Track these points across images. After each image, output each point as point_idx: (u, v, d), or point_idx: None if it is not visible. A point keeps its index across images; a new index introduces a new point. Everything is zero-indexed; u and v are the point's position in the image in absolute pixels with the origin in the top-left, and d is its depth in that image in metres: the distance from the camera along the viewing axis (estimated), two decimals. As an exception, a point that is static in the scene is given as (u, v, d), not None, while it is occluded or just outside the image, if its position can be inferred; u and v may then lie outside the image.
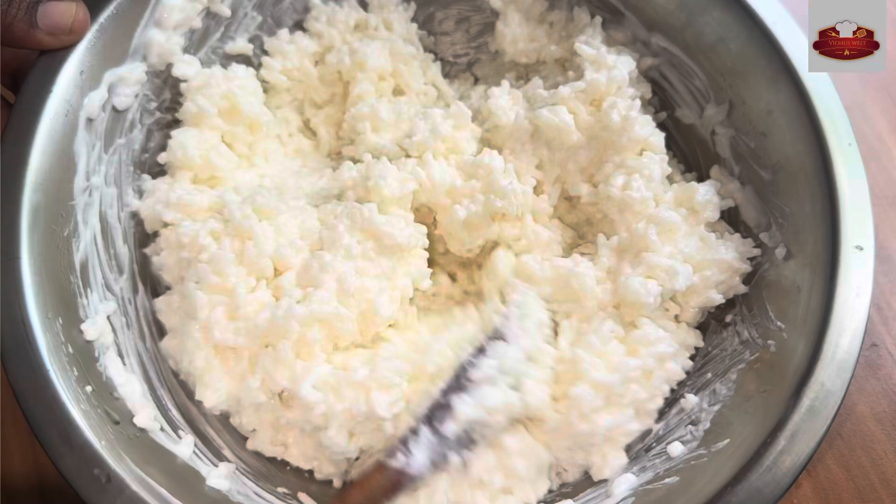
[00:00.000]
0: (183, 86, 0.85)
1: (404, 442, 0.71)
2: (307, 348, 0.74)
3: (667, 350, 0.77)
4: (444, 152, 0.84)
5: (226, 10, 0.86)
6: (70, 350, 0.68)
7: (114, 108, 0.78)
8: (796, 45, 0.76)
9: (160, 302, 0.81)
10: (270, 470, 0.78)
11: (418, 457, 0.71)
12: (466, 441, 0.72)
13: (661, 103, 0.90)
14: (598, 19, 0.89)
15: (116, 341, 0.74)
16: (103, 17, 0.75)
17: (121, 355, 0.74)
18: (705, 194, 0.81)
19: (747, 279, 0.79)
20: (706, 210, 0.81)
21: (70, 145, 0.73)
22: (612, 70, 0.83)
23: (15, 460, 0.82)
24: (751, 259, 0.79)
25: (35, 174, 0.70)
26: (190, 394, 0.78)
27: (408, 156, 0.85)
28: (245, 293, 0.76)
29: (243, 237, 0.77)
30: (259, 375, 0.74)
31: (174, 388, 0.78)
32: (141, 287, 0.81)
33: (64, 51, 0.73)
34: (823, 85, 0.74)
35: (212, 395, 0.75)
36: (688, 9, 0.82)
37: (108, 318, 0.74)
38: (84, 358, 0.69)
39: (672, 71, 0.87)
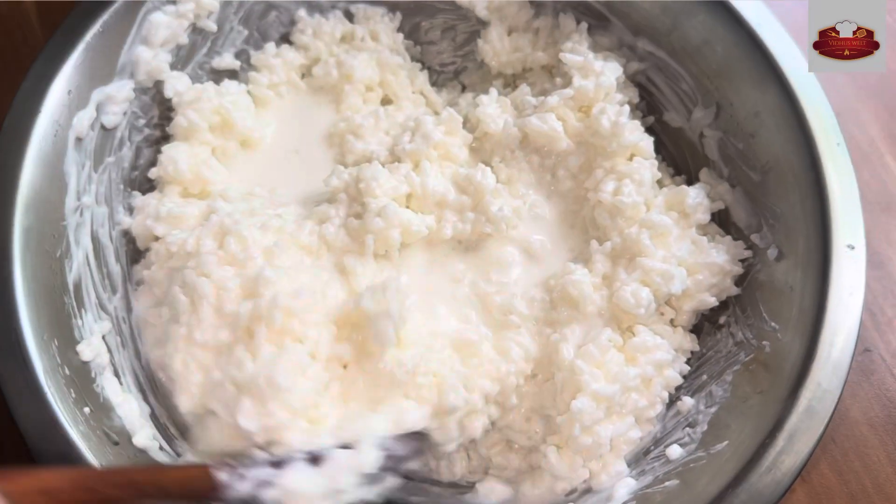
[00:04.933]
0: (175, 100, 0.84)
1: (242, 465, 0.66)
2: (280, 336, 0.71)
3: (665, 357, 0.77)
4: (437, 159, 0.84)
5: (212, 26, 0.86)
6: (66, 372, 0.67)
7: (102, 127, 0.78)
8: (782, 46, 0.76)
9: (151, 316, 0.80)
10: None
11: (242, 486, 0.64)
12: None
13: (648, 107, 0.91)
14: (584, 25, 0.89)
15: (112, 361, 0.74)
16: (90, 35, 0.75)
17: (117, 375, 0.73)
18: (695, 197, 0.81)
19: (740, 281, 0.80)
20: (697, 213, 0.81)
21: (60, 165, 0.73)
22: (599, 76, 0.83)
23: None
24: (742, 261, 0.79)
25: (26, 195, 0.70)
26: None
27: (399, 161, 0.85)
28: (232, 289, 0.74)
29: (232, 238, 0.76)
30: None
31: (171, 406, 0.78)
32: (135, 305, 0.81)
33: (51, 70, 0.73)
34: (810, 85, 0.75)
35: (187, 400, 0.73)
36: (673, 13, 0.82)
37: (104, 337, 0.74)
38: (81, 379, 0.69)
39: (659, 75, 0.87)
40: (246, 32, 0.90)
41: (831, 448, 0.81)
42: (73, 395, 0.67)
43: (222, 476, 0.63)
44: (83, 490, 0.57)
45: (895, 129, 0.97)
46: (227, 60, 0.90)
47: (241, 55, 0.91)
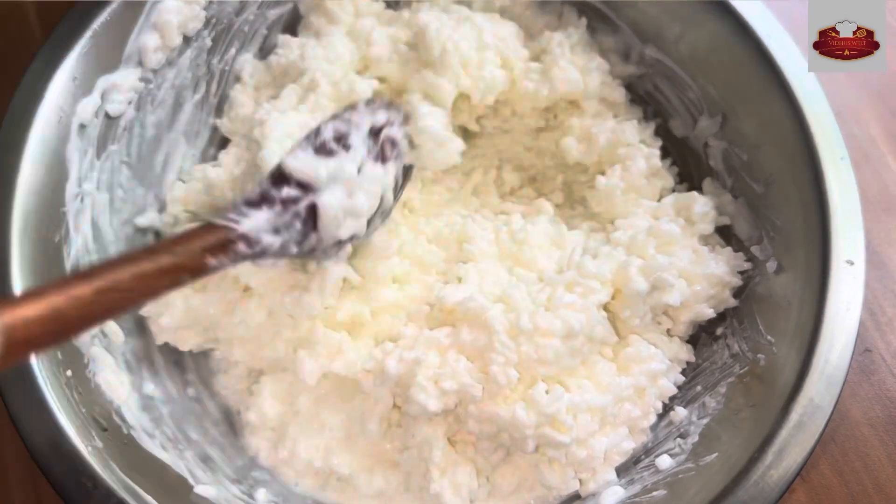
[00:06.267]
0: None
1: (235, 205, 0.65)
2: None
3: (659, 367, 0.77)
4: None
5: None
6: (59, 356, 0.68)
7: (107, 115, 0.78)
8: (789, 58, 0.76)
9: None
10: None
11: (255, 219, 0.63)
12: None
13: (654, 113, 0.91)
14: (584, 21, 0.89)
15: (106, 347, 0.74)
16: (97, 23, 0.75)
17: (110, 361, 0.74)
18: (703, 206, 0.81)
19: (738, 292, 0.79)
20: (703, 222, 0.81)
21: (62, 151, 0.73)
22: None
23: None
24: (742, 273, 0.79)
25: (26, 180, 0.70)
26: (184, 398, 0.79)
27: None
28: None
29: None
30: None
31: (168, 392, 0.78)
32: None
33: (57, 57, 0.73)
34: (816, 98, 0.74)
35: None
36: (682, 21, 0.82)
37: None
38: (73, 364, 0.69)
39: (665, 83, 0.87)
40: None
41: (831, 448, 0.80)
42: (65, 379, 0.67)
43: (228, 219, 0.61)
44: (85, 304, 0.50)
45: (895, 129, 0.97)
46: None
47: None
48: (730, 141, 0.82)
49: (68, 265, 0.73)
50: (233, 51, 0.88)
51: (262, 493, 0.75)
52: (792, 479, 0.63)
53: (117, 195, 0.81)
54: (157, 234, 0.85)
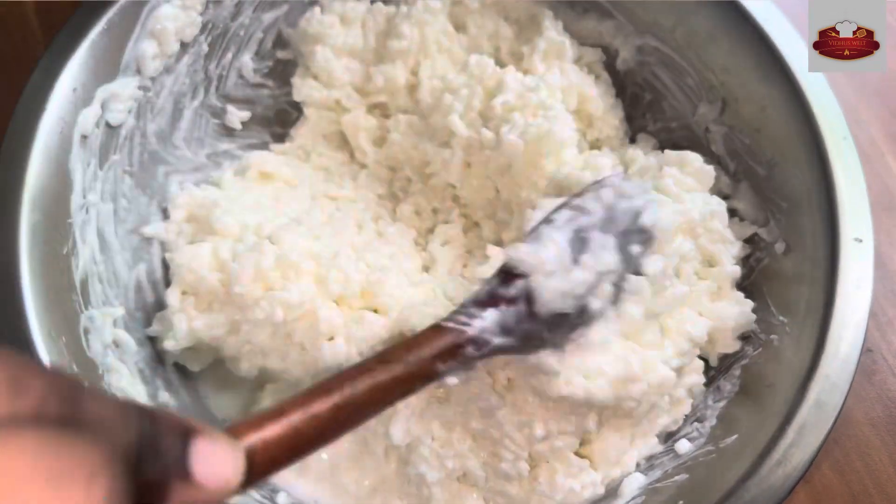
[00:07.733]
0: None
1: (464, 305, 0.61)
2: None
3: (698, 379, 0.76)
4: None
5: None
6: (75, 368, 0.67)
7: (108, 125, 0.77)
8: (788, 40, 0.76)
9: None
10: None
11: (485, 319, 0.59)
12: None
13: (652, 107, 0.91)
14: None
15: (120, 358, 0.73)
16: (94, 32, 0.74)
17: (125, 371, 0.73)
18: (695, 161, 0.80)
19: (746, 275, 0.79)
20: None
21: (65, 163, 0.73)
22: None
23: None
24: (749, 256, 0.79)
25: (32, 193, 0.69)
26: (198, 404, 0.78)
27: None
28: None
29: None
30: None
31: (182, 401, 0.78)
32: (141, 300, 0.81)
33: (56, 67, 0.73)
34: (816, 80, 0.75)
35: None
36: (679, 7, 0.82)
37: (111, 333, 0.74)
38: (89, 376, 0.69)
39: (663, 70, 0.87)
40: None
41: (833, 448, 0.80)
42: (82, 392, 0.66)
43: (456, 321, 0.58)
44: (323, 422, 0.48)
45: (895, 129, 0.97)
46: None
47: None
48: (731, 126, 0.82)
49: (77, 277, 0.72)
50: (229, 55, 0.88)
51: (282, 497, 0.74)
52: (814, 457, 0.64)
53: (121, 205, 0.80)
54: (163, 244, 0.84)
